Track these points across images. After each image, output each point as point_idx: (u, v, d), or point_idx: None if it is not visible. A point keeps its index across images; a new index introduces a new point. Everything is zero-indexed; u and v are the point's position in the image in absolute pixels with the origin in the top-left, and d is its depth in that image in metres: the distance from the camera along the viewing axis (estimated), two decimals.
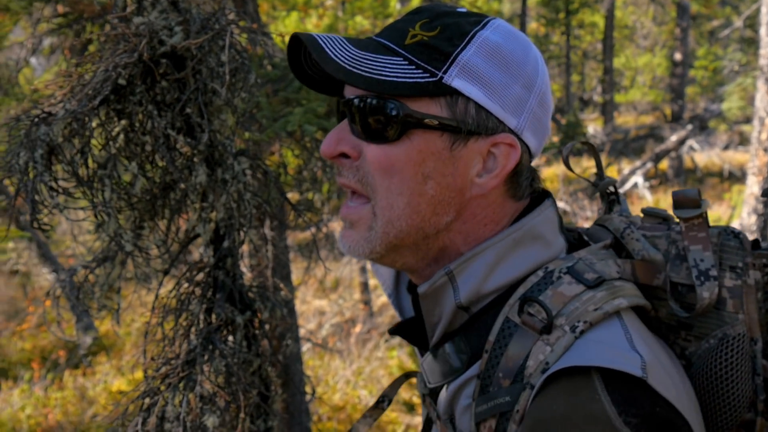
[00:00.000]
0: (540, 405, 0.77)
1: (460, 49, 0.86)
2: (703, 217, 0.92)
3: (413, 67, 0.86)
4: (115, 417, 1.87)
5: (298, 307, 9.34)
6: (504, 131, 0.89)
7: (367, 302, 8.99)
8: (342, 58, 0.85)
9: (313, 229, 2.41)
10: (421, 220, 0.89)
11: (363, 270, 8.99)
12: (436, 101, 0.86)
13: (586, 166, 16.36)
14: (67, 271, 2.15)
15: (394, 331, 1.02)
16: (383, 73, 0.85)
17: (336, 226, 9.40)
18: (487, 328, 0.88)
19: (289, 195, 4.72)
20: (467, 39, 0.87)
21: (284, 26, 7.92)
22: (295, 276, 7.12)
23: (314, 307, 9.52)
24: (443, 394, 0.95)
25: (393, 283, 1.10)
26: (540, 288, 0.86)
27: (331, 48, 0.87)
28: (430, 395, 1.00)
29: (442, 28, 0.88)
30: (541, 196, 0.99)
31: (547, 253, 0.92)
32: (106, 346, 8.74)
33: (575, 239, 1.01)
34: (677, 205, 0.94)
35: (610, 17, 19.97)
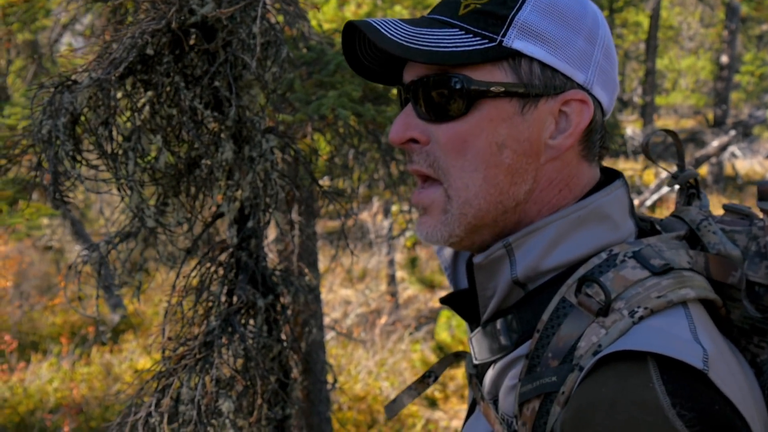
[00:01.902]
0: (587, 388, 0.72)
1: (515, 10, 0.84)
2: None
3: (471, 35, 0.84)
4: (131, 396, 1.83)
5: (324, 295, 9.32)
6: (573, 88, 0.86)
7: (393, 294, 8.93)
8: (398, 36, 0.83)
9: (343, 218, 2.34)
10: (500, 193, 0.86)
11: (391, 262, 8.92)
12: (499, 67, 0.84)
13: (623, 167, 16.05)
14: (90, 246, 2.12)
15: (446, 300, 0.98)
16: (441, 44, 0.83)
17: (366, 216, 9.34)
18: (541, 307, 0.84)
19: (321, 182, 4.66)
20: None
21: (322, 14, 7.85)
22: (322, 264, 7.09)
23: (340, 297, 9.49)
24: (489, 374, 0.91)
25: (452, 255, 1.05)
26: (602, 270, 0.81)
27: (386, 29, 0.84)
28: (477, 375, 0.96)
29: None
30: (612, 176, 0.93)
31: (613, 235, 0.86)
32: (133, 324, 8.83)
33: (647, 228, 0.95)
34: (762, 196, 0.87)
35: (655, 17, 19.55)
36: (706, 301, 0.83)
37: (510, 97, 0.84)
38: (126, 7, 2.18)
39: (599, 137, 0.90)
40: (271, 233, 3.75)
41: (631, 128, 18.97)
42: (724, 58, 16.26)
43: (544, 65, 0.84)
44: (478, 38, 0.83)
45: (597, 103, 0.88)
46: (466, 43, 0.83)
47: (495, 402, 0.89)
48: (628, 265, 0.81)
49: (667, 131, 1.03)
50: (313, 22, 4.55)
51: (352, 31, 0.89)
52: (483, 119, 0.84)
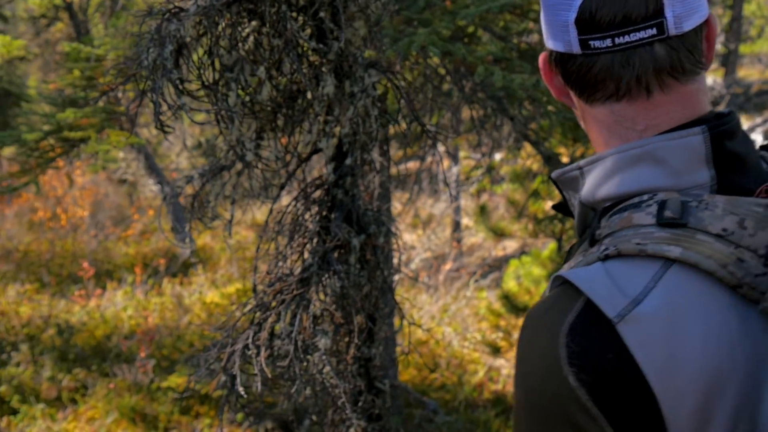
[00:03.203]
0: (541, 298, 0.84)
1: None
2: None
3: None
4: (223, 327, 1.85)
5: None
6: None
7: (458, 240, 8.89)
8: None
9: (426, 158, 2.28)
10: None
11: (457, 209, 8.85)
12: None
13: None
14: (184, 178, 2.12)
15: (556, 207, 1.02)
16: None
17: (430, 161, 9.24)
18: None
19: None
20: None
21: None
22: (395, 210, 7.09)
23: (405, 241, 9.51)
24: None
25: None
26: (627, 208, 0.82)
27: None
28: None
29: None
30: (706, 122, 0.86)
31: (668, 180, 0.82)
32: (202, 258, 9.07)
33: None
34: None
35: None
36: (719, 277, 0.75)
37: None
38: None
39: (585, 81, 0.87)
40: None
41: (712, 78, 18.09)
42: None
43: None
44: None
45: (557, 55, 0.89)
46: None
47: None
48: (645, 210, 0.80)
49: None
50: None
51: None
52: None
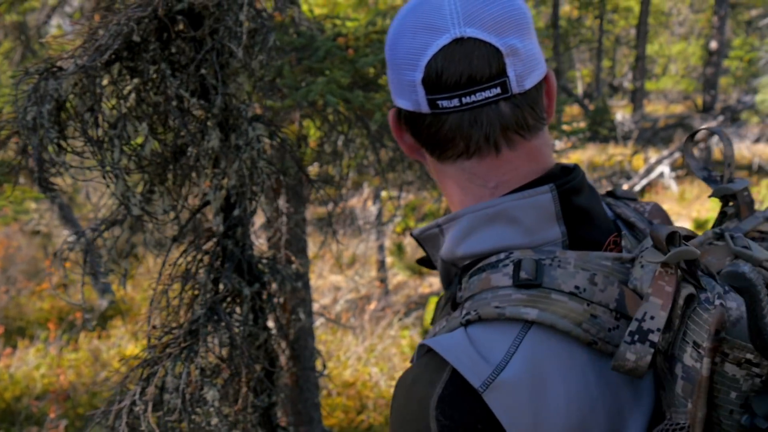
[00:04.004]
0: (408, 368, 0.84)
1: None
2: (674, 267, 0.75)
3: None
4: (117, 384, 1.83)
5: (314, 281, 9.32)
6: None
7: (383, 280, 8.94)
8: None
9: (330, 205, 2.34)
10: None
11: (380, 248, 8.93)
12: None
13: (612, 152, 16.09)
14: (75, 233, 2.11)
15: (422, 261, 1.05)
16: None
17: (355, 201, 9.34)
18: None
19: (310, 169, 4.65)
20: None
21: (313, 0, 7.80)
22: (312, 251, 7.09)
23: (330, 283, 9.49)
24: None
25: None
26: (485, 268, 0.84)
27: None
28: None
29: None
30: (557, 177, 0.89)
31: (522, 239, 0.84)
32: (122, 310, 8.79)
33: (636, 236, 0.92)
34: (653, 243, 0.78)
35: (645, 2, 19.53)
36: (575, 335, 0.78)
37: None
38: None
39: (436, 138, 0.89)
40: (261, 220, 3.74)
41: (621, 113, 18.99)
42: (714, 44, 16.30)
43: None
44: None
45: (404, 112, 0.92)
46: None
47: None
48: (501, 271, 0.81)
49: (714, 131, 0.96)
50: (304, 8, 4.52)
51: None
52: None
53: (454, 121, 0.85)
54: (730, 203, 0.93)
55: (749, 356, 0.68)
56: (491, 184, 0.89)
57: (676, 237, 0.75)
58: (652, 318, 0.74)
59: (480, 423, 0.73)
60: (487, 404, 0.72)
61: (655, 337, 0.73)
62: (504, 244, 0.85)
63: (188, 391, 1.57)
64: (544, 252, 0.83)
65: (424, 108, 0.87)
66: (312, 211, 9.45)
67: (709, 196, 0.95)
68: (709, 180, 0.96)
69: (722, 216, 0.93)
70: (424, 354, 0.82)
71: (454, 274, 0.92)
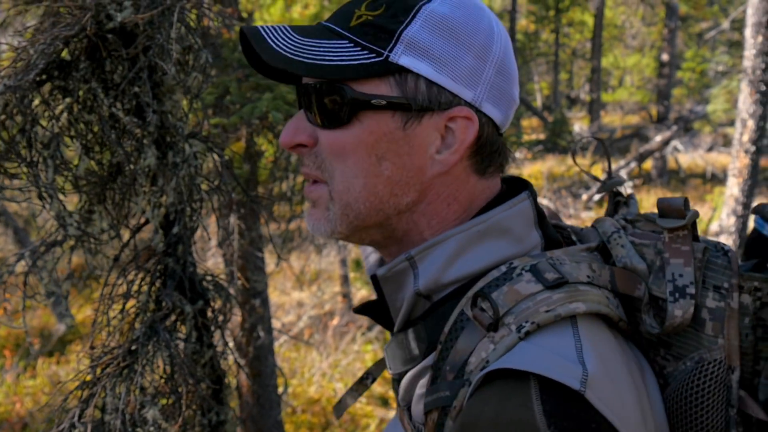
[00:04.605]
0: (473, 404, 0.74)
1: (405, 25, 0.84)
2: (689, 228, 0.86)
3: (359, 48, 0.84)
4: (55, 408, 1.80)
5: (277, 298, 9.25)
6: (460, 104, 0.86)
7: (346, 295, 8.93)
8: (283, 47, 0.84)
9: (282, 223, 2.34)
10: (380, 202, 0.87)
11: (343, 262, 8.92)
12: (385, 81, 0.84)
13: (571, 163, 16.34)
14: (14, 255, 2.07)
15: (360, 310, 0.99)
16: (326, 57, 0.84)
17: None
18: (445, 318, 0.85)
19: (267, 184, 4.64)
20: (412, 14, 0.84)
21: (269, 15, 7.81)
22: (271, 267, 7.05)
23: (294, 299, 9.44)
24: (403, 382, 0.92)
25: (377, 261, 1.05)
26: (497, 283, 0.82)
27: (273, 38, 0.85)
28: (397, 380, 0.97)
29: (387, 5, 0.85)
30: (519, 188, 0.94)
31: (515, 248, 0.87)
32: (82, 334, 8.61)
33: (567, 237, 0.97)
34: (662, 213, 0.89)
35: (599, 16, 19.98)
36: (605, 316, 0.83)
37: (393, 111, 0.84)
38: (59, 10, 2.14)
39: (493, 151, 0.90)
40: (214, 239, 3.72)
41: (579, 125, 19.35)
42: (665, 56, 16.73)
43: (430, 82, 0.84)
44: (365, 52, 0.84)
45: (487, 119, 0.88)
46: (353, 57, 0.83)
47: (408, 408, 0.90)
48: (523, 279, 0.81)
49: (597, 139, 1.06)
50: (259, 23, 4.52)
51: (246, 37, 0.89)
52: (364, 131, 0.85)
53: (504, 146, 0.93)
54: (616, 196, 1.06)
55: (756, 284, 0.84)
56: (488, 197, 0.93)
57: (689, 202, 0.87)
58: (680, 275, 0.83)
59: (593, 423, 0.70)
60: (590, 402, 0.70)
61: (692, 290, 0.83)
62: (501, 257, 0.86)
63: (128, 410, 1.55)
64: (537, 256, 0.86)
65: (507, 125, 0.92)
66: (274, 227, 9.41)
67: (600, 191, 1.04)
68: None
69: (616, 204, 1.05)
70: (484, 386, 0.74)
71: (421, 308, 0.88)
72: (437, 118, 0.85)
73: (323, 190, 0.90)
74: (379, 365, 1.17)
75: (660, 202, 0.90)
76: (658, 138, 14.83)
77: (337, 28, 0.87)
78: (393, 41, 0.83)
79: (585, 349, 0.75)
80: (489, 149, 0.90)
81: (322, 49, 0.84)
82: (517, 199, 0.89)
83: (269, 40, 0.85)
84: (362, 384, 1.17)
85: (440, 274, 0.86)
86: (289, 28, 0.87)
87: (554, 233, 0.94)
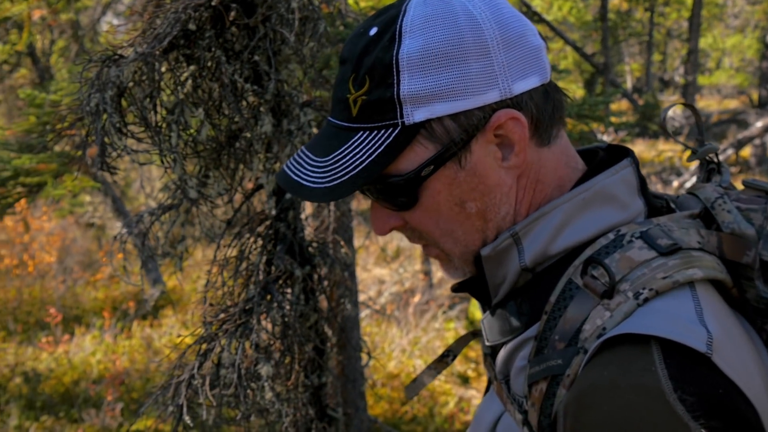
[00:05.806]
0: (590, 371, 0.73)
1: (396, 85, 0.81)
2: None
3: (375, 131, 0.83)
4: (172, 364, 1.90)
5: (359, 273, 9.40)
6: (494, 111, 0.83)
7: (427, 273, 8.97)
8: (317, 179, 0.85)
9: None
10: (483, 232, 0.89)
11: None
12: (416, 144, 0.83)
13: (662, 148, 15.77)
14: (133, 217, 2.19)
15: (457, 288, 0.99)
16: (358, 162, 0.83)
17: None
18: (549, 289, 0.84)
19: None
20: (395, 70, 0.81)
21: None
22: (357, 242, 7.16)
23: (375, 275, 9.56)
24: (501, 354, 0.92)
25: None
26: (608, 251, 0.81)
27: (302, 175, 0.86)
28: (491, 355, 0.97)
29: (369, 75, 0.82)
30: (620, 155, 0.92)
31: (620, 215, 0.86)
32: (172, 300, 9.03)
33: (663, 206, 0.94)
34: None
35: None
36: (717, 282, 0.82)
37: (443, 164, 0.84)
38: None
39: (551, 114, 0.88)
40: (309, 209, 3.80)
41: (672, 110, 18.58)
42: None
43: (454, 115, 0.82)
44: (383, 131, 0.83)
45: (527, 94, 0.85)
46: (377, 144, 0.82)
47: (507, 382, 0.91)
48: (634, 246, 0.81)
49: (687, 105, 1.02)
50: (350, 0, 4.56)
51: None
52: (434, 196, 0.86)
53: (556, 94, 0.88)
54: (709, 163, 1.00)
55: None
56: (579, 164, 0.91)
57: None
58: None
59: (720, 388, 0.68)
60: (717, 366, 0.68)
61: None
62: (608, 224, 0.85)
63: (243, 366, 1.63)
64: (644, 223, 0.85)
65: (548, 75, 0.86)
66: (356, 203, 9.53)
67: (692, 159, 1.00)
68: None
69: (709, 172, 1.00)
70: (602, 353, 0.73)
71: (522, 283, 0.89)
72: (483, 137, 0.84)
73: (436, 251, 0.93)
74: (460, 343, 1.16)
75: (745, 182, 0.88)
76: (759, 124, 14.07)
77: (345, 124, 0.86)
78: (398, 107, 0.81)
79: (706, 313, 0.74)
80: (546, 117, 0.87)
81: (348, 157, 0.84)
82: (619, 166, 0.88)
83: (300, 179, 0.86)
84: (442, 362, 1.16)
85: (548, 245, 0.86)
86: (309, 153, 0.88)
87: (655, 201, 0.93)
